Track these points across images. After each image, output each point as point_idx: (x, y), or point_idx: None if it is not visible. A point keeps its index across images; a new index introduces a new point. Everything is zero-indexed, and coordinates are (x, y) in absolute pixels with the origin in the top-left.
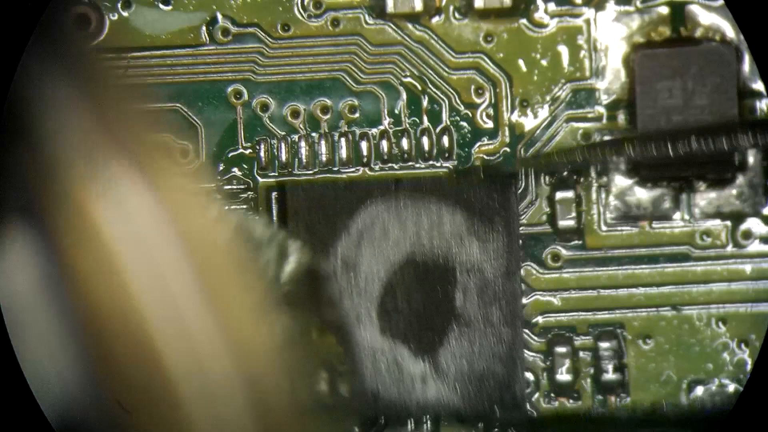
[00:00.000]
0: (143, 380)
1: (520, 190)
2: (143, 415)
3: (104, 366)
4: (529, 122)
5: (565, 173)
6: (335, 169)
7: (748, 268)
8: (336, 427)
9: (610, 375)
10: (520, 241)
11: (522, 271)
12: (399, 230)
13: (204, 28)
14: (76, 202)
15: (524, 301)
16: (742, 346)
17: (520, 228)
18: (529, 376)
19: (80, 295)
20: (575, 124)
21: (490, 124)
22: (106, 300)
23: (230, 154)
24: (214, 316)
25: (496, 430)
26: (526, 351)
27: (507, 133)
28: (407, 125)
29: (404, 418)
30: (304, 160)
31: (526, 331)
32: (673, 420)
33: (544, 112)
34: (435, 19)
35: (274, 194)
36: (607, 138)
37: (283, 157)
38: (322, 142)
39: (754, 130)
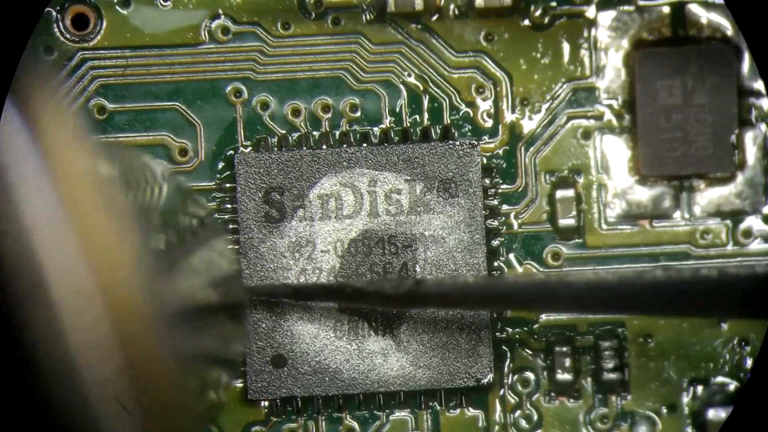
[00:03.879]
0: (25, 280)
1: (520, 188)
2: (27, 312)
3: None
4: (529, 121)
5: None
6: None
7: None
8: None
9: (610, 374)
10: (485, 212)
11: (521, 269)
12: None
13: (204, 26)
14: None
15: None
16: (743, 345)
17: (487, 200)
18: (530, 375)
19: None
20: (575, 123)
21: (489, 123)
22: None
23: (229, 153)
24: (78, 226)
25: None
26: (526, 350)
27: (507, 131)
28: (408, 124)
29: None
30: None
31: (525, 329)
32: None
33: (544, 111)
34: (435, 18)
35: None
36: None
37: None
38: None
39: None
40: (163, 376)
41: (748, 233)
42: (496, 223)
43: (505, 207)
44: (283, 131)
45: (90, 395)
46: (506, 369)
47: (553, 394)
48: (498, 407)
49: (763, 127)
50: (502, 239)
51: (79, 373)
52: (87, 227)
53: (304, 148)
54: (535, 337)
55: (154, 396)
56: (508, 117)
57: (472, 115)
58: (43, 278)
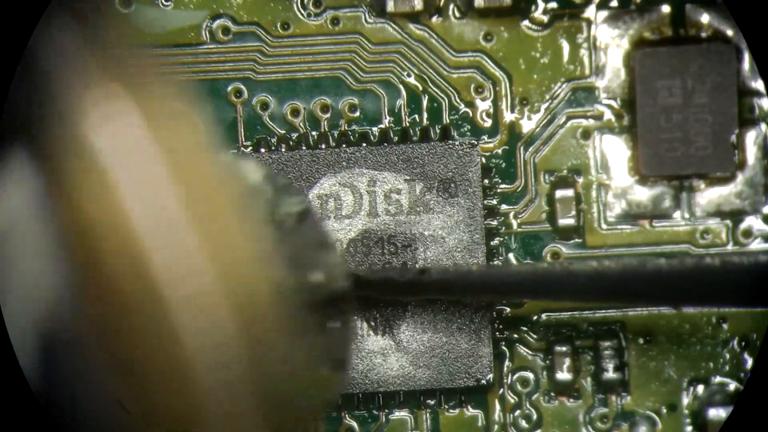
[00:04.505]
0: (131, 287)
1: (519, 187)
2: (131, 322)
3: (94, 277)
4: (528, 121)
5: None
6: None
7: None
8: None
9: (610, 374)
10: (484, 212)
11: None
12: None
13: (204, 26)
14: (71, 124)
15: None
16: (743, 344)
17: (487, 200)
18: (529, 375)
19: (71, 207)
20: (575, 122)
21: (489, 123)
22: (97, 212)
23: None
24: (200, 228)
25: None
26: (525, 350)
27: (506, 131)
28: (407, 124)
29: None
30: None
31: (525, 328)
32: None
33: (543, 111)
34: (435, 18)
35: None
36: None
37: None
38: None
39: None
40: (286, 376)
41: (748, 233)
42: (495, 222)
43: (504, 207)
44: (283, 131)
45: (205, 401)
46: (506, 369)
47: (552, 393)
48: (497, 407)
49: (763, 126)
50: (502, 239)
51: (193, 377)
52: (210, 228)
53: (304, 148)
54: (535, 336)
55: (277, 397)
56: (508, 117)
57: (471, 114)
58: (155, 282)
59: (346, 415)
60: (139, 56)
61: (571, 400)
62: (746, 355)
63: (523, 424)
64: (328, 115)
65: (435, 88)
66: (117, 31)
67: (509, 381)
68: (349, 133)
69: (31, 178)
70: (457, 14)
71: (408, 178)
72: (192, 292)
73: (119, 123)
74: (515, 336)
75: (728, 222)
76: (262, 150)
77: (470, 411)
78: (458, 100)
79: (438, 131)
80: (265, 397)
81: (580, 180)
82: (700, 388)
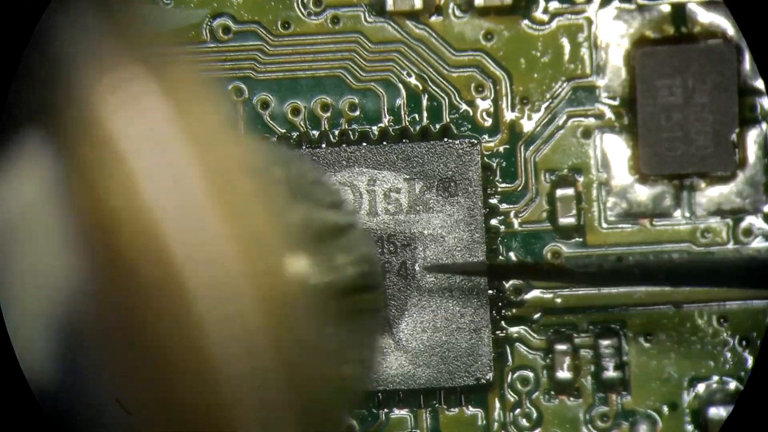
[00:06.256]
0: (152, 275)
1: (520, 187)
2: (153, 312)
3: (114, 267)
4: (528, 120)
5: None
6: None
7: None
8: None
9: (610, 373)
10: (484, 211)
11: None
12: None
13: (205, 25)
14: (88, 108)
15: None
16: (743, 343)
17: (488, 199)
18: (530, 373)
19: (89, 194)
20: (575, 121)
21: (489, 122)
22: (116, 198)
23: None
24: (223, 213)
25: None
26: (526, 349)
27: (507, 130)
28: (407, 123)
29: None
30: None
31: (525, 327)
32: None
33: (544, 110)
34: (435, 17)
35: None
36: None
37: None
38: None
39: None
40: (315, 366)
41: (748, 232)
42: (495, 221)
43: (504, 206)
44: (283, 130)
45: (231, 393)
46: (506, 367)
47: (553, 392)
48: (497, 406)
49: (763, 125)
50: (502, 238)
51: (219, 368)
52: (234, 213)
53: (304, 147)
54: (535, 335)
55: (306, 387)
56: (508, 116)
57: (471, 114)
58: (177, 270)
59: None
60: (161, 40)
61: (572, 399)
62: (747, 354)
63: (524, 423)
64: (329, 114)
65: (435, 87)
66: (138, 15)
67: (509, 380)
68: (350, 132)
69: (46, 165)
70: (458, 13)
71: (408, 177)
72: (215, 279)
73: (139, 106)
74: (515, 335)
75: (729, 221)
76: None
77: (470, 410)
78: (458, 99)
79: (437, 130)
80: (293, 387)
81: (581, 179)
82: (701, 387)
